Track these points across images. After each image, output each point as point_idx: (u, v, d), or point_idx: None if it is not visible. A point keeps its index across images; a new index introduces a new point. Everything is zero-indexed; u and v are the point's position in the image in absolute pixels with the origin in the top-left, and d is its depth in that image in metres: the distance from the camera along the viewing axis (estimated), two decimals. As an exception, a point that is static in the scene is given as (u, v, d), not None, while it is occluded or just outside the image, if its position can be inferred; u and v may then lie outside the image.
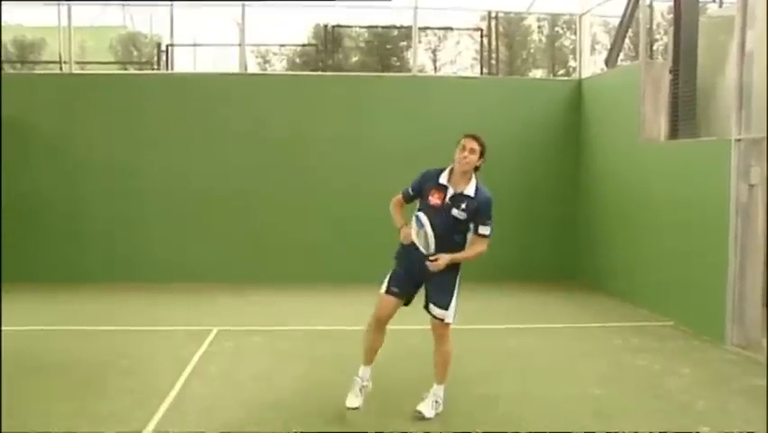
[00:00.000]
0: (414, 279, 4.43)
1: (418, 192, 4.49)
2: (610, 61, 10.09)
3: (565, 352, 6.30)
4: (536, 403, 4.90)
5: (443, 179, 4.39)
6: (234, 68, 10.38)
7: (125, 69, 12.97)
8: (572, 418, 4.61)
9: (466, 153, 4.32)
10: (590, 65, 10.79)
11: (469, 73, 13.14)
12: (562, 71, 15.21)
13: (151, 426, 4.37)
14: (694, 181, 7.06)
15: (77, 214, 9.77)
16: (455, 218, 4.30)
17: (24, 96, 9.62)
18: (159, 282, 9.46)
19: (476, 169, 4.40)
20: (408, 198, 4.54)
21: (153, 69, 11.63)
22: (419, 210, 4.40)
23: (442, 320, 4.38)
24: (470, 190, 4.34)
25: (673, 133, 7.97)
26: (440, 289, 4.38)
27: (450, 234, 4.30)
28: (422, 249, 4.28)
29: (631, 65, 8.49)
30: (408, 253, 4.40)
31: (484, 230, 4.33)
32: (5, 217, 9.43)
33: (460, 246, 4.36)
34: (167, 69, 11.16)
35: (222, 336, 6.76)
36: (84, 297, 8.76)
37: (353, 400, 4.46)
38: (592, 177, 9.68)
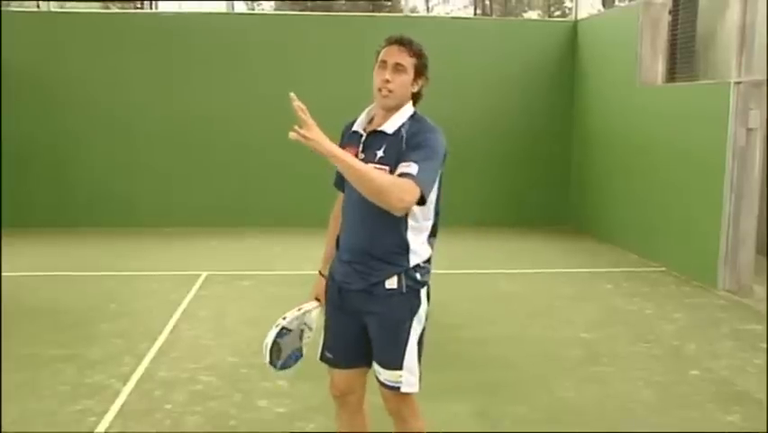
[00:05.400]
0: (351, 332, 2.61)
1: None
2: (607, 2, 9.85)
3: (555, 296, 6.30)
4: (526, 347, 4.91)
5: (356, 125, 2.59)
6: (221, 7, 10.05)
7: (107, 8, 12.55)
8: (562, 361, 4.62)
9: (388, 75, 2.42)
10: (587, 5, 10.53)
11: (462, 14, 12.84)
12: (557, 12, 14.88)
13: (141, 370, 4.35)
14: (691, 125, 6.96)
15: (62, 157, 9.58)
16: None
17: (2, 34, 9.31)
18: (146, 227, 9.39)
19: (415, 100, 2.53)
20: (342, 185, 2.63)
21: (137, 8, 11.25)
22: (345, 199, 2.63)
23: (397, 389, 2.53)
24: (389, 125, 2.46)
25: (671, 76, 7.83)
26: (384, 337, 2.54)
27: (376, 212, 2.33)
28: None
29: (629, 5, 8.26)
30: (333, 291, 2.65)
31: (406, 167, 2.30)
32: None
33: (396, 232, 2.46)
34: (151, 7, 10.80)
35: (211, 280, 6.72)
36: (70, 242, 8.67)
37: None
38: (587, 121, 9.55)
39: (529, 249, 8.53)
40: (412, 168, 2.30)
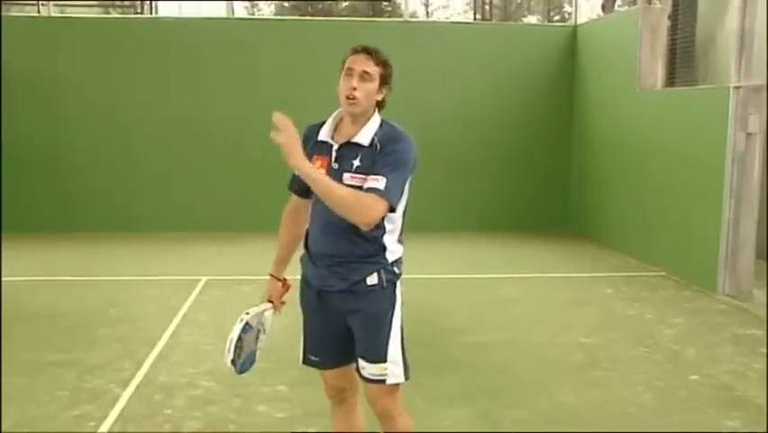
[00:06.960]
0: (335, 332, 2.65)
1: None
2: (607, 6, 9.87)
3: (555, 301, 6.30)
4: (527, 351, 4.90)
5: (323, 134, 2.59)
6: (221, 11, 10.06)
7: (107, 12, 12.58)
8: (563, 365, 4.62)
9: (355, 83, 2.46)
10: (586, 10, 10.55)
11: (461, 18, 12.90)
12: (557, 17, 14.92)
13: (140, 375, 4.34)
14: (691, 130, 6.96)
15: (61, 161, 9.59)
16: (351, 188, 2.41)
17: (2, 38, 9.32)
18: (146, 232, 9.38)
19: (379, 107, 2.57)
20: (298, 188, 2.74)
21: (137, 13, 11.27)
22: (312, 204, 2.68)
23: (382, 381, 2.56)
24: (363, 136, 2.49)
25: (671, 80, 7.85)
26: (369, 332, 2.57)
27: (350, 225, 2.42)
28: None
29: (628, 10, 8.29)
30: (311, 296, 2.68)
31: (374, 181, 2.39)
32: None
33: (374, 237, 2.50)
34: (150, 11, 10.81)
35: (211, 285, 6.72)
36: (69, 246, 8.66)
37: None
38: (587, 125, 9.55)
39: (529, 254, 8.53)
40: (380, 182, 2.39)
